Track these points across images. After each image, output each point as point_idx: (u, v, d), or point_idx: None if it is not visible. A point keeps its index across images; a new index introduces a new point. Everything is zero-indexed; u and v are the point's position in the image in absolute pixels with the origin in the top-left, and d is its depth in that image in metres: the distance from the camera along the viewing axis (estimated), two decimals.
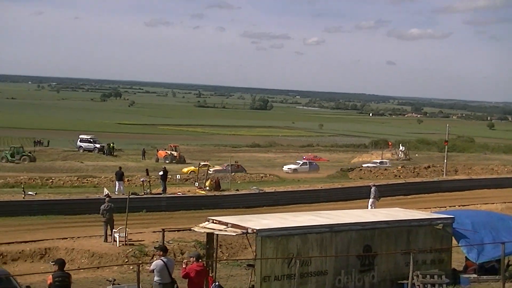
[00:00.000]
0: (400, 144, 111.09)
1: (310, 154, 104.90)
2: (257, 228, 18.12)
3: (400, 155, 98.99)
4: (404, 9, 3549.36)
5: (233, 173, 62.54)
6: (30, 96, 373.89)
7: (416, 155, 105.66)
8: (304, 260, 18.31)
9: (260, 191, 48.80)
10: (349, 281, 19.40)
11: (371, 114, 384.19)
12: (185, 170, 70.36)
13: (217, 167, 70.86)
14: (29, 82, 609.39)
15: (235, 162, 76.56)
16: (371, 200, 40.19)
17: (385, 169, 72.70)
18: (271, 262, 17.96)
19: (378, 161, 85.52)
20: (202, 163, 70.81)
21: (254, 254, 18.68)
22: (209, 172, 56.40)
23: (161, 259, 16.78)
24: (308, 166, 73.79)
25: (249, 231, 18.26)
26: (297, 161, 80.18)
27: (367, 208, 38.21)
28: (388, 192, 48.37)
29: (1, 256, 28.01)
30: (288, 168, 73.43)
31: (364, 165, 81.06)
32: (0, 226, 35.20)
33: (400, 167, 75.42)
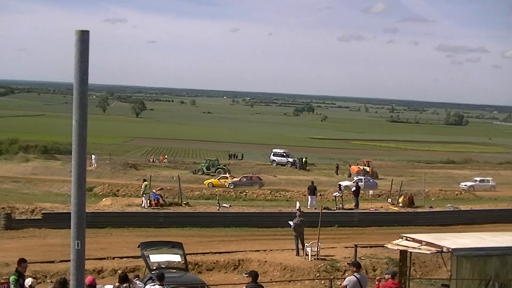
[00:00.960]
0: None
1: None
2: (453, 247, 17.57)
3: None
4: None
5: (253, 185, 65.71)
6: (225, 110, 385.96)
7: None
8: (503, 282, 17.52)
9: (455, 209, 47.38)
10: None
11: None
12: (205, 182, 70.66)
13: (235, 179, 70.51)
14: (224, 97, 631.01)
15: (252, 173, 76.00)
16: None
17: None
18: (467, 283, 17.35)
19: (479, 178, 78.88)
20: (222, 175, 71.46)
21: (449, 274, 18.11)
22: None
23: (354, 275, 16.57)
24: (363, 183, 68.98)
25: (444, 250, 17.76)
26: (354, 177, 76.27)
27: None
28: None
29: (197, 266, 28.78)
30: (340, 184, 70.43)
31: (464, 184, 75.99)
32: (196, 236, 36.40)
33: None
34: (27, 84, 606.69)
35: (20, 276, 15.94)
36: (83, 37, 7.65)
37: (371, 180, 71.43)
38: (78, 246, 7.63)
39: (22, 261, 16.29)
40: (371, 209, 46.32)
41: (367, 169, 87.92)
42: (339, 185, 52.36)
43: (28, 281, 16.68)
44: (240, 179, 69.53)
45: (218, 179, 70.75)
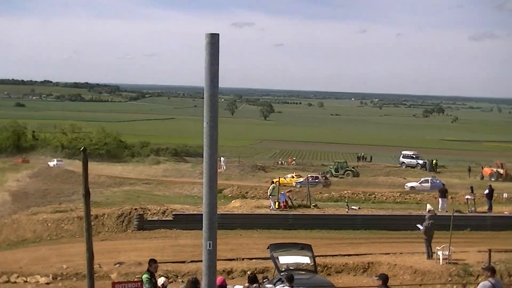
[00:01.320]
0: None
1: None
2: None
3: None
4: None
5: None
6: (353, 112, 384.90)
7: None
8: None
9: None
10: None
11: None
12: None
13: (301, 179, 71.22)
14: (352, 99, 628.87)
15: (321, 173, 74.85)
16: None
17: None
18: None
19: None
20: (289, 175, 71.64)
21: None
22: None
23: (489, 281, 16.01)
24: (429, 184, 65.56)
25: None
26: (422, 178, 72.66)
27: None
28: None
29: (326, 268, 28.68)
30: (406, 186, 67.43)
31: None
32: (325, 239, 36.31)
33: None
34: (157, 89, 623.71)
35: (152, 276, 16.30)
36: (213, 40, 7.70)
37: (437, 181, 69.54)
38: (210, 247, 7.68)
39: (153, 262, 16.65)
40: (506, 213, 44.83)
41: (501, 171, 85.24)
42: (471, 187, 50.91)
43: (161, 280, 17.06)
44: (305, 179, 69.85)
45: (285, 178, 70.95)
